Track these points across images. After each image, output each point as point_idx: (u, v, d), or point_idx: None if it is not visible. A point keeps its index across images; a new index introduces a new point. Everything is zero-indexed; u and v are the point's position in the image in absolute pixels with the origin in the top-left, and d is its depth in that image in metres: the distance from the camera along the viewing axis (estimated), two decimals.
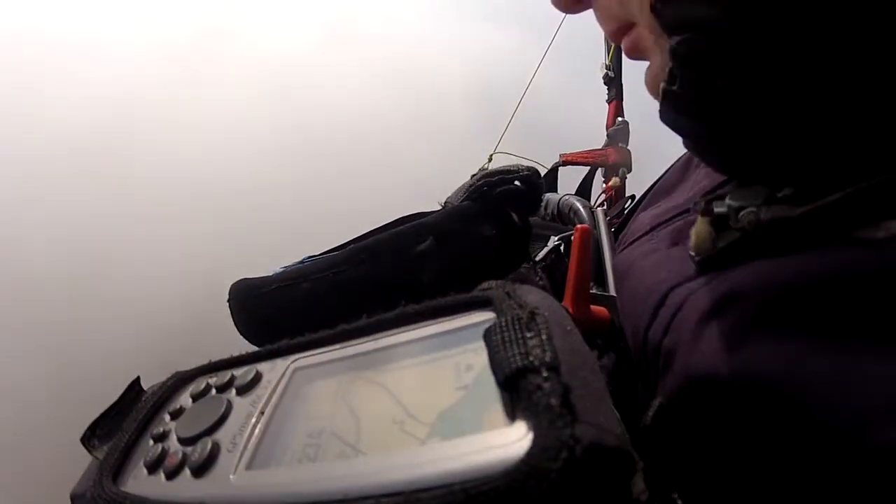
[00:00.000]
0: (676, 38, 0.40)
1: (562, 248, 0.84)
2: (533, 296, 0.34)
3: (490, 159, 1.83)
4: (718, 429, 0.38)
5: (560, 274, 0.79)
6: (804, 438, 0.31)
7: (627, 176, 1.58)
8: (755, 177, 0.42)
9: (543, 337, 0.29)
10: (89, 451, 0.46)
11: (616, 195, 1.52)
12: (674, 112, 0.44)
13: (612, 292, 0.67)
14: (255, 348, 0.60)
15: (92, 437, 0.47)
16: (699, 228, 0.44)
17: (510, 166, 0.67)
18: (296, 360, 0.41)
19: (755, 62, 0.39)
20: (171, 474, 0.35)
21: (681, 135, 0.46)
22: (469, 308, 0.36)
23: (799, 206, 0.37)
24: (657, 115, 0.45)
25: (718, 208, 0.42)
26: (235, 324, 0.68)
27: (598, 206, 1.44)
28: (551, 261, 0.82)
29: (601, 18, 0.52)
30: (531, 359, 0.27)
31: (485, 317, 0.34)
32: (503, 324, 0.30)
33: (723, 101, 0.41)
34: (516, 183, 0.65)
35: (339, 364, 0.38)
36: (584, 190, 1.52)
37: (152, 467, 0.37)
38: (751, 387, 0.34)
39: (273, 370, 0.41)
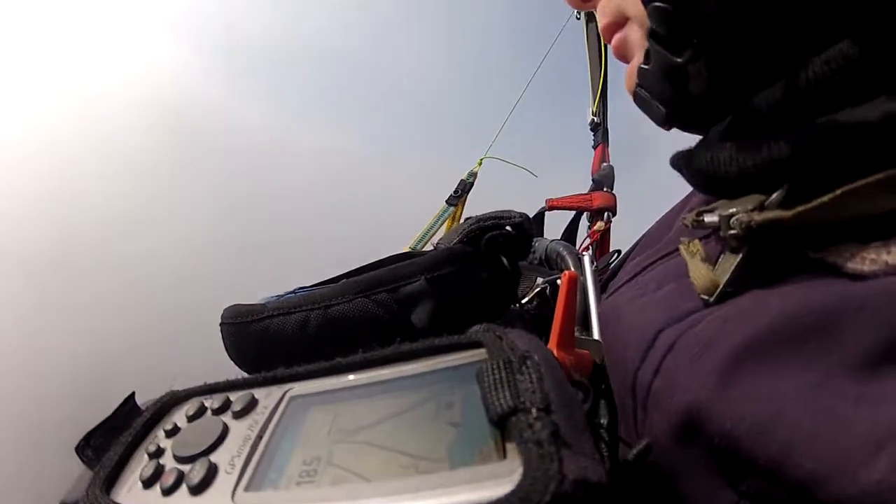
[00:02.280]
0: (651, 5, 0.44)
1: (547, 290, 0.85)
2: (523, 340, 0.36)
3: (479, 163, 1.84)
4: (705, 467, 0.39)
5: (545, 315, 0.81)
6: (784, 483, 0.32)
7: (612, 220, 1.61)
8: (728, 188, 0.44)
9: (534, 379, 0.30)
10: (83, 461, 0.47)
11: (601, 239, 1.54)
12: (645, 90, 0.49)
13: (597, 336, 0.68)
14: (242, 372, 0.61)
15: (86, 447, 0.47)
16: (696, 272, 0.45)
17: (503, 212, 0.69)
18: (291, 388, 0.42)
19: (713, 31, 0.43)
20: (168, 491, 0.36)
21: (649, 115, 0.51)
22: (461, 349, 0.37)
23: (790, 209, 0.38)
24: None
25: (709, 218, 0.44)
26: (226, 347, 0.69)
27: (584, 249, 1.46)
28: (537, 303, 0.84)
29: (600, 12, 0.56)
30: (522, 399, 0.29)
31: (476, 357, 0.36)
32: (495, 366, 0.32)
33: (682, 72, 0.45)
34: (508, 229, 0.67)
35: (335, 395, 0.39)
36: (569, 234, 1.54)
37: (148, 482, 0.38)
38: (735, 430, 0.35)
39: (269, 396, 0.42)
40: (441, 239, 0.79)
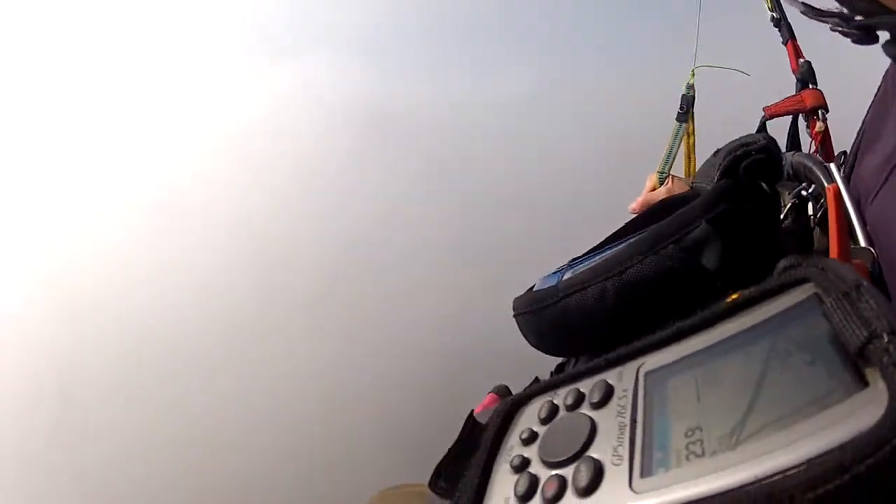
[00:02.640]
0: None
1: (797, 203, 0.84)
2: (844, 268, 0.36)
3: (693, 74, 1.80)
4: None
5: (800, 229, 0.81)
6: None
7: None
8: None
9: (874, 306, 0.31)
10: (437, 495, 0.48)
11: (822, 140, 1.47)
12: None
13: (863, 243, 0.68)
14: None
15: (438, 479, 0.49)
16: None
17: (747, 137, 0.69)
18: (642, 363, 0.42)
19: None
20: (554, 499, 0.36)
21: None
22: (789, 287, 0.38)
23: None
24: None
25: None
26: (525, 336, 0.73)
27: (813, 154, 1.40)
28: (792, 218, 0.83)
29: None
30: (874, 327, 0.29)
31: (805, 293, 0.37)
32: (836, 300, 0.33)
33: None
34: (756, 154, 0.67)
35: (688, 361, 0.40)
36: (792, 139, 1.48)
37: (526, 497, 0.38)
38: None
39: (622, 379, 0.42)
40: (695, 177, 0.79)
